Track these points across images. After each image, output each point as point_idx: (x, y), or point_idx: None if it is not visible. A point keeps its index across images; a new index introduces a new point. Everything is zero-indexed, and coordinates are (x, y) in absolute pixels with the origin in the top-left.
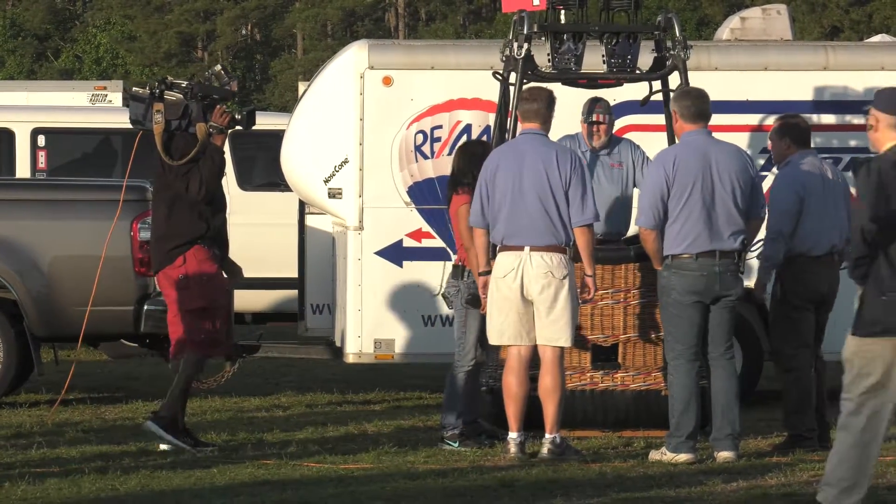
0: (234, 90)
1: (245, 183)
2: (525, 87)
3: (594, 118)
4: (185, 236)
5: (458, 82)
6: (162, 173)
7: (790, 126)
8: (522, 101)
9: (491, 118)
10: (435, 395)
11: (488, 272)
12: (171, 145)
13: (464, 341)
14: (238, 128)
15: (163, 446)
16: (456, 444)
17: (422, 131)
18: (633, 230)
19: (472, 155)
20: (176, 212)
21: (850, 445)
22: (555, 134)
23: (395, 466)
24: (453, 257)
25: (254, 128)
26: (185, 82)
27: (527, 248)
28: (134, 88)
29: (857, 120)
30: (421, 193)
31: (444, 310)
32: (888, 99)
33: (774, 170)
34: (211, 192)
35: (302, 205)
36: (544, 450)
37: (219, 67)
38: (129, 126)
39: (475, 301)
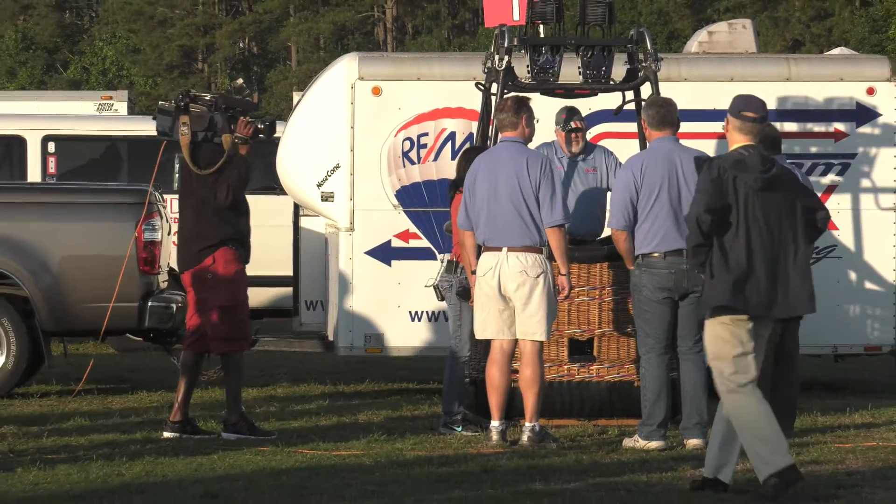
0: (255, 102)
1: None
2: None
3: (573, 125)
4: (213, 238)
5: (442, 92)
6: (188, 180)
7: (766, 134)
8: (495, 112)
9: (474, 126)
10: (421, 386)
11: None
12: (198, 155)
13: (459, 333)
14: (261, 136)
15: (167, 434)
16: (460, 429)
17: (409, 138)
18: (607, 231)
19: (472, 160)
20: (203, 216)
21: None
22: (535, 141)
23: (385, 453)
24: (438, 255)
25: (257, 138)
26: (209, 95)
27: (504, 249)
28: (160, 102)
29: (817, 128)
30: (408, 197)
31: (431, 306)
32: (734, 104)
33: None
34: (237, 199)
35: (296, 207)
36: (524, 437)
37: (240, 81)
38: (134, 133)
39: (465, 293)
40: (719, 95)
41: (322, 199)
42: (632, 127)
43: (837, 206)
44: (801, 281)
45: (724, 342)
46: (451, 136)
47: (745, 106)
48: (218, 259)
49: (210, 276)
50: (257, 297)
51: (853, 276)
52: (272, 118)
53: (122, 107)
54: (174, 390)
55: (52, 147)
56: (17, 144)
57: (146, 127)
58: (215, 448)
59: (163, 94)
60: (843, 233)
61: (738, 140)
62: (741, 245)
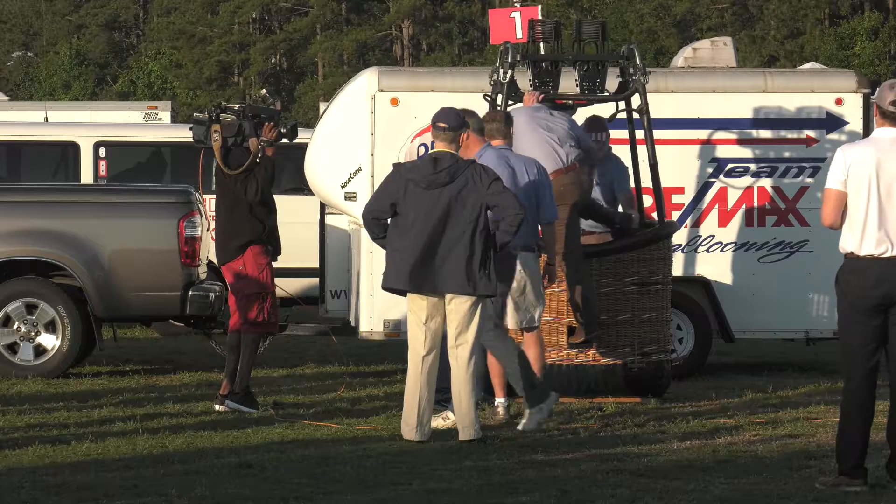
0: (278, 109)
1: (274, 188)
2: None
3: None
4: (246, 235)
5: (453, 103)
6: (223, 181)
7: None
8: (484, 121)
9: None
10: None
11: None
12: (230, 158)
13: None
14: (284, 140)
15: (217, 407)
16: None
17: (423, 144)
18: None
19: None
20: (236, 214)
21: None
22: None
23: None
24: None
25: (281, 141)
26: (238, 105)
27: None
28: (195, 114)
29: (790, 135)
30: None
31: None
32: (433, 118)
33: (722, 177)
34: (266, 196)
35: (322, 206)
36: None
37: (264, 91)
38: (177, 140)
39: None
40: (703, 106)
41: (345, 199)
42: (623, 133)
43: (809, 205)
44: (456, 264)
45: (410, 315)
46: None
47: (439, 118)
48: (248, 255)
49: (240, 268)
50: (287, 286)
51: (824, 267)
52: (293, 123)
53: (165, 116)
54: (213, 371)
55: (103, 152)
56: (71, 150)
57: (187, 134)
58: (250, 423)
59: (202, 105)
60: (814, 229)
61: (437, 146)
62: (405, 236)
